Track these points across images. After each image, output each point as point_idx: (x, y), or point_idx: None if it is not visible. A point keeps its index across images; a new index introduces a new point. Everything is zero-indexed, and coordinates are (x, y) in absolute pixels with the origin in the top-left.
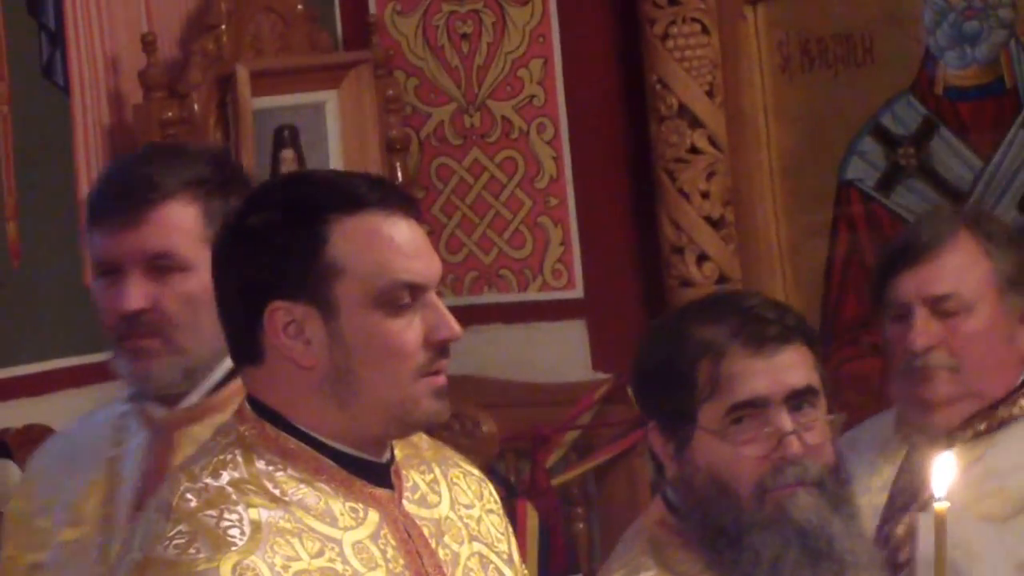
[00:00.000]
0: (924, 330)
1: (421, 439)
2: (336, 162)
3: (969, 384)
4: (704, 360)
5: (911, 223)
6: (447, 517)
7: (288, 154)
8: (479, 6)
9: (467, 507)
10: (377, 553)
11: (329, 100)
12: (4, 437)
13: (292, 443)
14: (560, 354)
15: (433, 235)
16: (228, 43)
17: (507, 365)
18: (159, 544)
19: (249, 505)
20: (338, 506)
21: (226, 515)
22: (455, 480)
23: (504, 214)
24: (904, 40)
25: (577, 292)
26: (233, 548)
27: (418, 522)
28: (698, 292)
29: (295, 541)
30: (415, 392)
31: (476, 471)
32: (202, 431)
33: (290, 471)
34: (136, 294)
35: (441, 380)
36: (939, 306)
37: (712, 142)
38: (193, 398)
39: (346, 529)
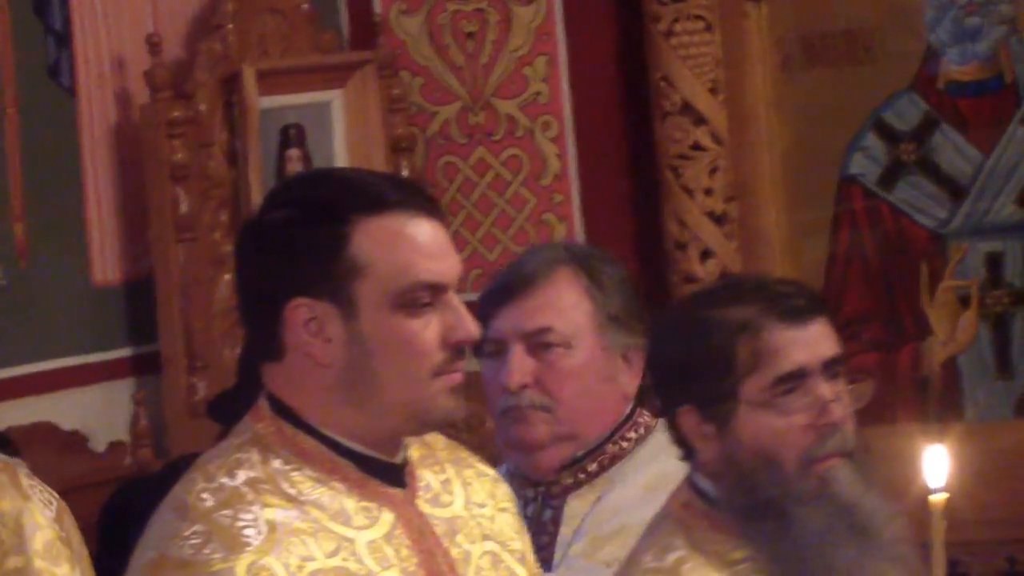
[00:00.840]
0: (519, 367)
1: (437, 440)
2: (342, 161)
3: (565, 425)
4: (742, 336)
5: (515, 260)
6: (460, 516)
7: (294, 153)
8: (484, 5)
9: (480, 506)
10: (391, 552)
11: (335, 100)
12: (11, 435)
13: (308, 442)
14: None
15: None
16: (234, 43)
17: None
18: (174, 544)
19: (265, 505)
20: (352, 505)
21: (241, 515)
22: (469, 480)
23: (509, 212)
24: (905, 36)
25: None
26: (248, 548)
27: (431, 521)
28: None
29: (310, 541)
30: (431, 391)
31: (491, 471)
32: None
33: (306, 470)
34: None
35: (457, 378)
36: (535, 340)
37: (715, 138)
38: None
39: (360, 529)
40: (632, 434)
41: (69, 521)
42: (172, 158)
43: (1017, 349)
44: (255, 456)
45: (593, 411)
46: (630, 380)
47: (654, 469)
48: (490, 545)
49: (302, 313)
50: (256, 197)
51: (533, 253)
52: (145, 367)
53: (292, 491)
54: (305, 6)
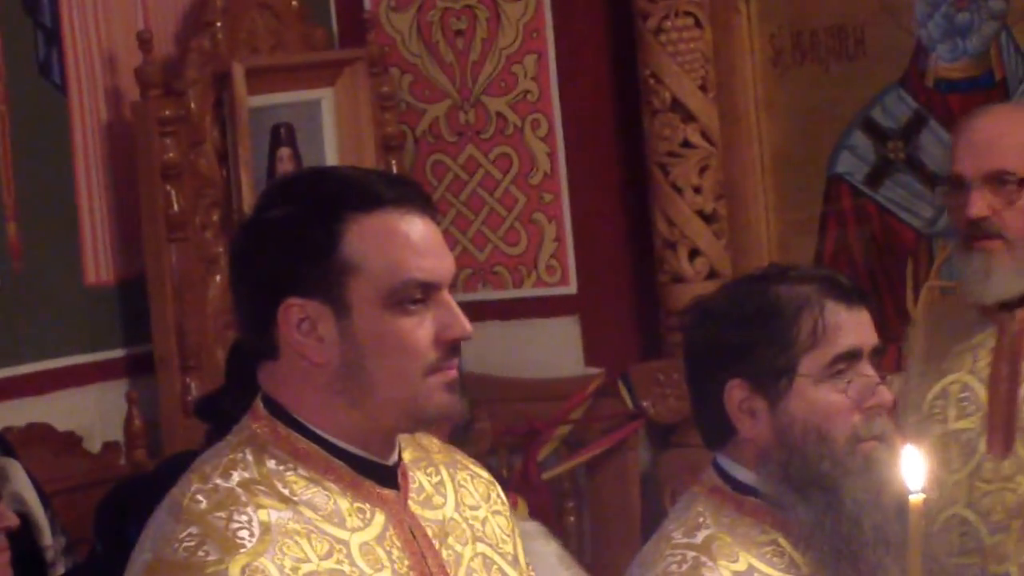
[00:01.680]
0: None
1: (432, 442)
2: (332, 159)
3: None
4: (805, 312)
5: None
6: (451, 518)
7: (285, 152)
8: (473, 2)
9: (472, 508)
10: (383, 554)
11: (325, 97)
12: (6, 436)
13: (302, 443)
14: (553, 350)
15: None
16: (224, 40)
17: (501, 361)
18: (169, 546)
19: (259, 506)
20: (346, 506)
21: (235, 516)
22: (462, 482)
23: (499, 211)
24: (896, 32)
25: (570, 288)
26: (242, 550)
27: (422, 523)
28: (690, 288)
29: (304, 542)
30: (425, 388)
31: (485, 474)
32: None
33: (300, 471)
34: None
35: (452, 375)
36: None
37: (705, 136)
38: None
39: (353, 530)
40: None
41: None
42: (163, 156)
43: None
44: (249, 457)
45: None
46: None
47: None
48: (482, 547)
49: (294, 313)
50: (247, 196)
51: None
52: (139, 367)
53: (286, 492)
54: (294, 3)
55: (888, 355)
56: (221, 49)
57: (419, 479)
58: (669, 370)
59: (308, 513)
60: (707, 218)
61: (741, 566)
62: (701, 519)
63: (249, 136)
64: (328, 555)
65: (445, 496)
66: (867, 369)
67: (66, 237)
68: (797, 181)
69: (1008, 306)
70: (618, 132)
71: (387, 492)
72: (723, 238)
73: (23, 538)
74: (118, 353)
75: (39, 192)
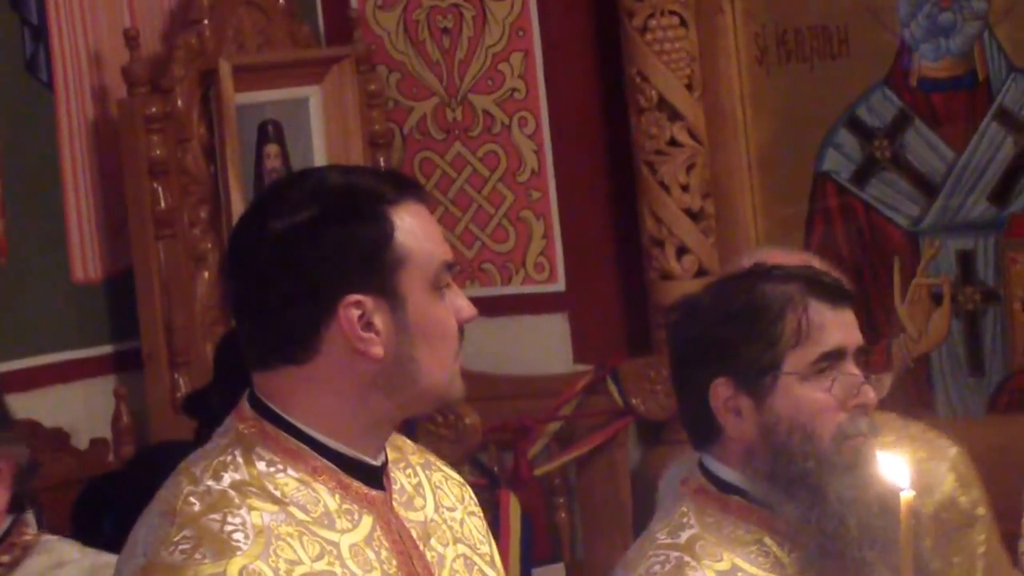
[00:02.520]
0: None
1: (406, 443)
2: (320, 157)
3: None
4: (789, 311)
5: None
6: (432, 519)
7: (272, 149)
8: (459, 0)
9: (450, 510)
10: (372, 556)
11: (312, 95)
12: None
13: (292, 443)
14: (542, 347)
15: None
16: (210, 38)
17: (490, 358)
18: (164, 549)
19: (251, 508)
20: (335, 507)
21: (229, 519)
22: (438, 484)
23: (487, 208)
24: (880, 32)
25: (559, 285)
26: (238, 553)
27: (406, 524)
28: (678, 285)
29: (296, 544)
30: (454, 373)
31: (456, 475)
32: None
33: (290, 471)
34: None
35: (461, 359)
36: None
37: (691, 135)
38: None
39: (343, 532)
40: None
41: None
42: (150, 154)
43: (989, 346)
44: (239, 457)
45: None
46: None
47: None
48: (462, 548)
49: (355, 310)
50: (235, 193)
51: None
52: (127, 363)
53: (277, 493)
54: (282, 1)
55: (878, 351)
56: (208, 46)
57: (400, 480)
58: (658, 367)
59: (299, 515)
60: (694, 216)
61: (725, 565)
62: (685, 519)
63: (236, 133)
64: (320, 557)
65: (425, 497)
66: (852, 368)
67: (54, 234)
68: (783, 179)
69: None
70: (605, 130)
71: (374, 493)
72: (711, 235)
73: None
74: (106, 349)
75: (27, 189)
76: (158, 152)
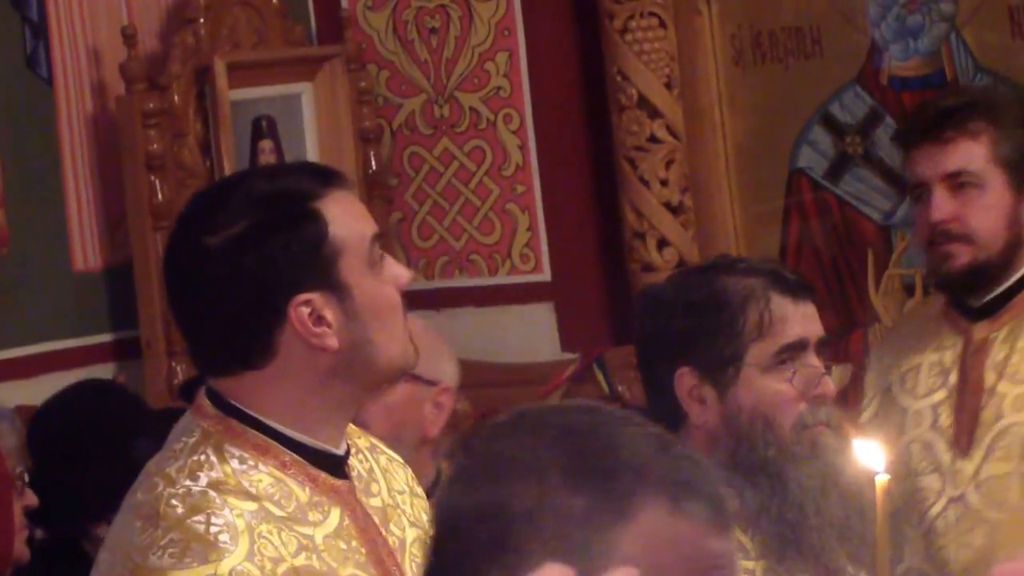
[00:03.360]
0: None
1: (352, 429)
2: (312, 152)
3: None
4: (751, 304)
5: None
6: (389, 504)
7: (267, 144)
8: (446, 1)
9: (400, 493)
10: (344, 546)
11: (304, 92)
12: None
13: (260, 438)
14: (529, 336)
15: (405, 221)
16: (206, 36)
17: (478, 347)
18: (151, 553)
19: (231, 507)
20: (306, 500)
21: (213, 519)
22: (385, 467)
23: (473, 201)
24: (851, 33)
25: (544, 276)
26: (227, 554)
27: (369, 511)
28: (660, 276)
29: (276, 540)
30: (406, 341)
31: (398, 456)
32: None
33: (261, 467)
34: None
35: (408, 326)
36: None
37: (670, 131)
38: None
39: (315, 525)
40: None
41: None
42: (148, 148)
43: None
44: (212, 456)
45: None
46: None
47: None
48: (417, 532)
49: (303, 309)
50: None
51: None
52: (126, 352)
53: (252, 490)
54: (275, 1)
55: (854, 339)
56: (203, 45)
57: (356, 467)
58: None
59: (275, 511)
60: (674, 210)
61: None
62: None
63: (231, 128)
64: (298, 552)
65: (378, 482)
66: (812, 360)
67: (54, 225)
68: (760, 174)
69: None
70: (587, 127)
71: (339, 483)
72: (690, 229)
73: None
74: (105, 338)
75: (27, 181)
76: (155, 147)
